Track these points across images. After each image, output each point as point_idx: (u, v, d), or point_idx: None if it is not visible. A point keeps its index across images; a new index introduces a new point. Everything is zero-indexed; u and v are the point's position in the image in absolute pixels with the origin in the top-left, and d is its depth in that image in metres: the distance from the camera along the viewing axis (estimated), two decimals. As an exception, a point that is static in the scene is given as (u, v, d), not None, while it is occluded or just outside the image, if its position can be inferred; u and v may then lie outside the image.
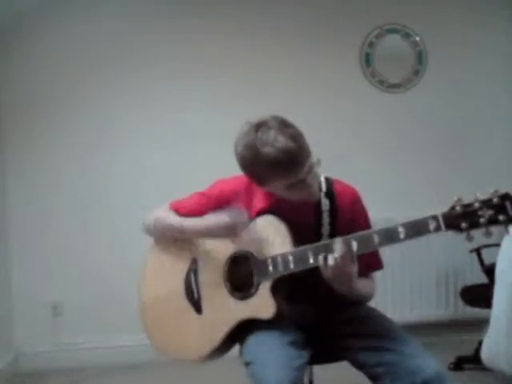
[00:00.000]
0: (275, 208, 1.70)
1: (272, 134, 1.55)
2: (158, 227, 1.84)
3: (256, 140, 1.56)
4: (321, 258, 1.53)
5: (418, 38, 3.67)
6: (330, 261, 1.51)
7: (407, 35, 3.67)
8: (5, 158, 3.43)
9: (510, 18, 3.77)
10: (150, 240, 1.90)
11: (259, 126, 1.58)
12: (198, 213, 1.78)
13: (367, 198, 1.83)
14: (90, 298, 3.39)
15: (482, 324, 2.25)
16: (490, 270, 2.79)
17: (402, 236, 1.47)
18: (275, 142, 1.54)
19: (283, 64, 3.57)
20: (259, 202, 1.74)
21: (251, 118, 1.63)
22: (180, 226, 1.78)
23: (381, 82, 3.67)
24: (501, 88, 3.77)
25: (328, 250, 1.54)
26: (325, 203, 1.73)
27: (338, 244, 1.51)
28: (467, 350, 3.05)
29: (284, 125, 1.58)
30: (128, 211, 3.23)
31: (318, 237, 1.69)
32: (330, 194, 1.74)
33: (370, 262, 1.72)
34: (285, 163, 1.54)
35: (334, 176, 1.82)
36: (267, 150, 1.54)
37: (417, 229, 1.45)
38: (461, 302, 3.30)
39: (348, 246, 1.51)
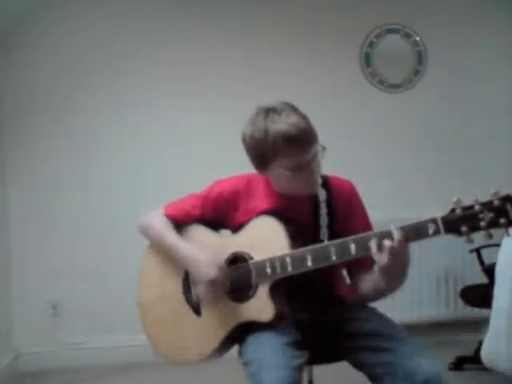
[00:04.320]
0: (274, 207, 1.69)
1: (284, 113, 1.61)
2: (149, 237, 1.85)
3: (267, 118, 1.62)
4: (373, 244, 1.47)
5: (418, 38, 3.67)
6: (387, 243, 1.45)
7: (407, 35, 3.67)
8: (5, 159, 3.42)
9: (510, 17, 3.77)
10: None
11: (270, 109, 1.64)
12: (194, 216, 1.78)
13: (366, 198, 1.83)
14: (89, 298, 3.39)
15: (481, 324, 2.26)
16: (489, 270, 2.79)
17: None
18: (287, 118, 1.59)
19: (283, 64, 3.56)
20: (258, 202, 1.73)
21: (260, 104, 1.68)
22: (169, 245, 1.77)
23: (381, 82, 3.67)
24: (501, 88, 3.77)
25: (326, 252, 1.54)
26: (321, 193, 1.73)
27: (373, 241, 1.47)
28: (467, 350, 3.05)
29: (294, 108, 1.65)
30: (128, 211, 3.21)
31: (316, 228, 1.69)
32: (326, 185, 1.75)
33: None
34: (295, 138, 1.58)
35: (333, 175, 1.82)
36: (279, 125, 1.59)
37: (416, 232, 1.45)
38: (461, 302, 3.29)
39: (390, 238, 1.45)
